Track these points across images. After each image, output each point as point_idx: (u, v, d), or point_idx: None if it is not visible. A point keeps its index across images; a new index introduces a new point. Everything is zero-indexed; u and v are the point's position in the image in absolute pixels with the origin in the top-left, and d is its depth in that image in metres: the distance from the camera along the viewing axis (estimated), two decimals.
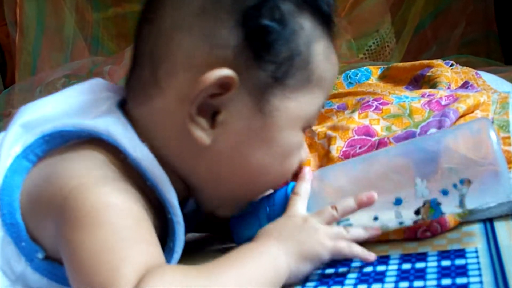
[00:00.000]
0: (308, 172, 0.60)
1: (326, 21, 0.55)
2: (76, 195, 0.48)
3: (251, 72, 0.51)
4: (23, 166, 0.53)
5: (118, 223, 0.47)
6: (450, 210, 0.55)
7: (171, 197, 0.53)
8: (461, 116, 0.68)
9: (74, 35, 1.98)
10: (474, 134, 0.54)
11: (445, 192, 0.53)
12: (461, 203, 0.53)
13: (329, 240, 0.54)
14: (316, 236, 0.53)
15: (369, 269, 0.54)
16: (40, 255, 0.52)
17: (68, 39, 1.98)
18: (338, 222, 0.56)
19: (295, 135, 0.56)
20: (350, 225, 0.57)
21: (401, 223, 0.56)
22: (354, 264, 0.55)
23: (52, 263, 0.52)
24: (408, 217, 0.55)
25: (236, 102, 0.52)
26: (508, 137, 0.63)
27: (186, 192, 0.60)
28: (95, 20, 2.07)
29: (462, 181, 0.52)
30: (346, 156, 0.68)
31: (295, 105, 0.54)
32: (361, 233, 0.56)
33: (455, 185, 0.53)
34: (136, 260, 0.45)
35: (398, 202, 0.55)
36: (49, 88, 1.75)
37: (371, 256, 0.54)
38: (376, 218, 0.56)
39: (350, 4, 1.89)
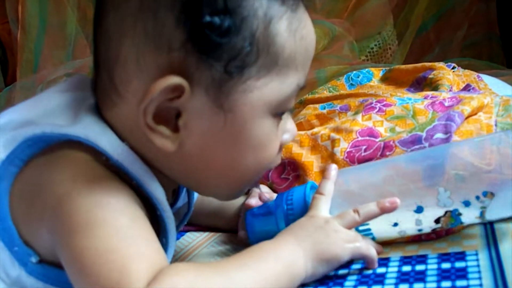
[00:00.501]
0: (333, 171, 0.59)
1: None
2: (69, 200, 0.47)
3: (202, 72, 0.48)
4: (9, 172, 0.52)
5: (116, 223, 0.46)
6: (469, 220, 0.55)
7: (158, 193, 0.52)
8: (465, 118, 0.68)
9: (76, 33, 1.98)
10: (490, 145, 0.53)
11: (467, 203, 0.53)
12: (482, 215, 0.53)
13: (348, 242, 0.53)
14: (336, 238, 0.53)
15: (369, 271, 0.54)
16: (33, 259, 0.52)
17: (70, 37, 1.97)
18: (357, 228, 0.56)
19: (265, 123, 0.52)
20: (369, 230, 0.57)
21: (419, 230, 0.56)
22: (354, 266, 0.55)
23: (47, 266, 0.52)
24: (428, 225, 0.55)
25: (194, 103, 0.49)
26: None
27: (176, 185, 0.59)
28: None
29: (485, 193, 0.52)
30: (350, 157, 0.68)
31: (261, 93, 0.50)
32: (373, 245, 0.56)
33: (477, 197, 0.53)
34: (141, 257, 0.44)
35: (419, 210, 0.55)
36: (51, 86, 1.74)
37: (377, 263, 0.55)
38: (395, 224, 0.56)
39: (352, 6, 1.88)
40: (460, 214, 0.54)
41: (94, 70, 0.54)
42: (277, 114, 0.53)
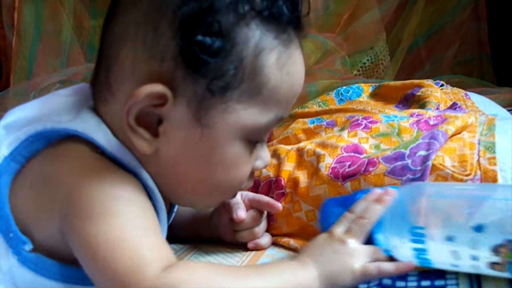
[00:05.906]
0: (389, 197, 0.58)
1: (283, 27, 0.53)
2: (80, 191, 0.50)
3: (187, 86, 0.51)
4: (11, 167, 0.55)
5: (128, 213, 0.49)
6: None
7: (151, 183, 0.55)
8: (449, 137, 0.69)
9: (71, 41, 1.99)
10: None
11: None
12: None
13: (360, 263, 0.54)
14: (350, 262, 0.54)
15: None
16: (27, 248, 0.53)
17: (65, 45, 1.98)
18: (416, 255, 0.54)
19: (237, 146, 0.55)
20: (424, 251, 0.53)
21: (474, 258, 0.50)
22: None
23: (41, 256, 0.54)
24: (484, 255, 0.49)
25: (176, 113, 0.52)
26: (494, 158, 0.64)
27: None
28: (92, 26, 2.07)
29: None
30: (334, 173, 0.69)
31: (238, 116, 0.53)
32: (390, 268, 0.54)
33: None
34: (152, 247, 0.48)
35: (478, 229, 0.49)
36: (44, 94, 1.74)
37: (408, 265, 0.54)
38: (450, 239, 0.51)
39: (345, 21, 1.90)
40: None
41: (95, 67, 0.57)
42: (251, 141, 0.56)
